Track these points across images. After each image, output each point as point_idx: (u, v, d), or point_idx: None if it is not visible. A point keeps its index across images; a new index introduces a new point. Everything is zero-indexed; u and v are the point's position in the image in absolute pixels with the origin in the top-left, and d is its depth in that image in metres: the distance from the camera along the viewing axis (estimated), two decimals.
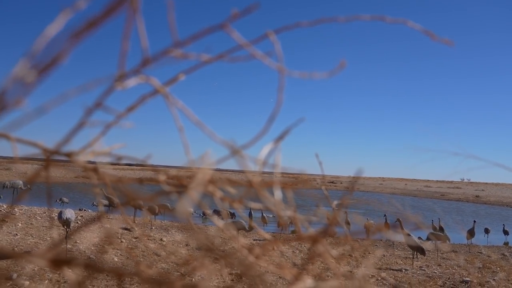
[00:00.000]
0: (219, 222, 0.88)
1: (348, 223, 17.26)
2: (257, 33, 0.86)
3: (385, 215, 18.01)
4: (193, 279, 7.11)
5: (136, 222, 17.23)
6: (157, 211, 16.93)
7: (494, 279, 9.52)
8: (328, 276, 0.73)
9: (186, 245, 12.26)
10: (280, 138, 0.90)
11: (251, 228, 14.04)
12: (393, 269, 10.50)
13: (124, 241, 12.41)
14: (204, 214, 18.24)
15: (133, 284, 6.07)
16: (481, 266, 11.33)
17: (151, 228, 15.48)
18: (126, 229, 14.78)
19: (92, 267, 0.58)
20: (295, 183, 0.80)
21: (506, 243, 17.61)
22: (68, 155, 0.94)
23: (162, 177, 0.98)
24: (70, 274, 0.61)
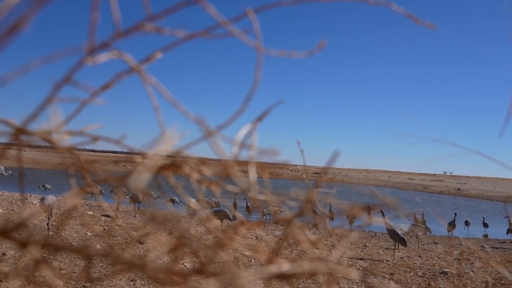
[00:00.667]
0: (192, 204, 0.86)
1: (332, 212, 17.39)
2: (236, 11, 0.83)
3: (368, 206, 18.12)
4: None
5: (119, 209, 17.15)
6: (141, 199, 16.86)
7: (472, 270, 9.70)
8: (303, 259, 0.72)
9: (170, 233, 12.23)
10: (258, 119, 0.89)
11: (235, 218, 14.07)
12: (374, 260, 10.62)
13: (107, 228, 12.34)
14: (172, 200, 18.24)
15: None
16: (460, 257, 11.54)
17: (134, 216, 15.42)
18: (109, 216, 14.70)
19: (53, 245, 0.56)
20: (271, 167, 0.78)
21: (485, 235, 17.94)
22: (41, 134, 0.91)
23: (138, 159, 0.96)
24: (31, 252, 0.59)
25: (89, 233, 10.88)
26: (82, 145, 0.98)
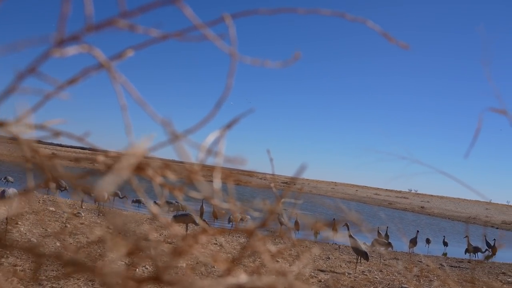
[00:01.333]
0: (153, 208, 0.84)
1: (297, 223, 17.48)
2: (213, 15, 0.82)
3: (334, 218, 18.34)
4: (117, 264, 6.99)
5: (84, 207, 16.77)
6: (106, 198, 16.55)
7: (430, 287, 9.90)
8: (263, 271, 0.71)
9: (130, 235, 12.03)
10: (227, 126, 0.88)
11: (200, 222, 13.92)
12: (336, 272, 10.71)
13: (69, 225, 12.03)
14: (138, 201, 17.99)
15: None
16: (419, 274, 11.76)
17: (98, 215, 15.11)
18: (72, 213, 14.35)
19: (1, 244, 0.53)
20: (237, 174, 0.77)
21: (444, 254, 18.36)
22: (1, 124, 0.87)
23: (100, 158, 0.93)
24: None
25: (49, 230, 10.58)
26: (47, 139, 0.94)
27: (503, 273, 14.04)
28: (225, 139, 0.80)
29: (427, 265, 14.10)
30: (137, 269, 7.20)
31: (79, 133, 0.84)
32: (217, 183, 0.77)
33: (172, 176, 0.78)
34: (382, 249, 14.61)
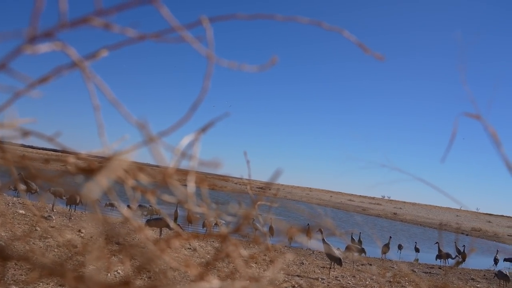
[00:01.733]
0: (125, 211, 0.82)
1: (272, 229, 17.50)
2: (192, 18, 0.81)
3: (308, 224, 18.47)
4: (88, 269, 6.83)
5: (55, 210, 16.40)
6: (78, 201, 16.22)
7: None
8: (236, 277, 0.70)
9: (106, 238, 11.82)
10: (202, 130, 0.87)
11: (175, 227, 13.78)
12: (310, 277, 10.75)
13: (39, 229, 11.74)
14: (111, 204, 17.69)
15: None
16: (391, 280, 11.91)
17: (70, 218, 14.78)
18: (42, 216, 14.02)
19: None
20: (211, 178, 0.76)
21: (416, 260, 18.66)
22: None
23: (71, 159, 0.91)
24: None
25: (18, 233, 10.31)
26: (16, 139, 0.92)
27: (472, 279, 14.35)
28: (200, 142, 0.80)
29: (400, 271, 14.30)
30: (109, 274, 7.07)
31: (50, 133, 0.82)
32: (191, 187, 0.76)
33: (144, 179, 0.77)
34: (355, 254, 14.75)
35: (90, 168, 0.91)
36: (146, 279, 6.65)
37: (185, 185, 0.83)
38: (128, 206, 17.19)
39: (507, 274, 12.03)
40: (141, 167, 0.77)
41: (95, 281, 0.57)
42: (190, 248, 10.91)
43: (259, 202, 1.36)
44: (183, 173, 0.77)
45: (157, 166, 0.79)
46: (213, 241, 13.78)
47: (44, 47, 0.66)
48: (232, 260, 0.75)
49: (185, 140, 0.83)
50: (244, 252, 0.91)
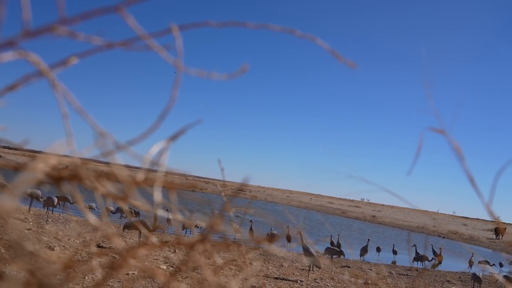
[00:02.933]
0: (91, 217, 0.82)
1: (252, 230, 17.52)
2: (162, 25, 0.81)
3: (288, 226, 18.54)
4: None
5: (31, 212, 16.11)
6: (55, 203, 15.95)
7: None
8: (206, 285, 0.71)
9: (84, 240, 11.66)
10: (173, 137, 0.87)
11: (155, 228, 13.71)
12: (289, 280, 10.78)
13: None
14: (89, 207, 17.44)
15: None
16: (369, 282, 12.03)
17: (47, 221, 14.53)
18: (17, 219, 13.75)
19: None
20: (180, 185, 0.76)
21: (394, 262, 18.89)
22: None
23: (40, 165, 0.90)
24: None
25: None
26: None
27: (448, 281, 14.59)
28: (169, 150, 0.80)
29: (377, 273, 14.46)
30: (86, 277, 6.97)
31: (19, 139, 0.81)
32: (158, 195, 0.76)
33: (112, 186, 0.76)
34: (334, 257, 14.85)
35: (59, 175, 0.90)
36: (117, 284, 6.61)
37: (154, 192, 0.83)
38: (107, 208, 16.99)
39: (480, 276, 12.28)
40: (108, 175, 0.76)
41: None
42: (164, 256, 10.84)
43: (233, 206, 1.37)
44: (150, 181, 0.76)
45: (126, 174, 0.79)
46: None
47: (7, 56, 0.66)
48: (201, 268, 0.76)
49: (155, 148, 0.83)
50: (219, 259, 0.92)
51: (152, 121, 0.80)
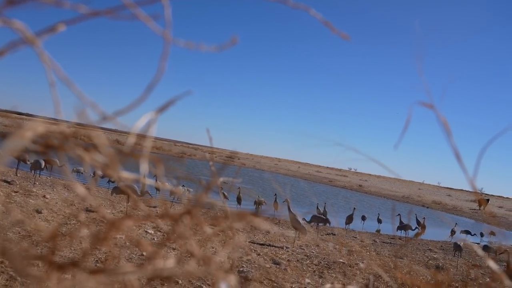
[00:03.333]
0: (79, 189, 0.82)
1: (239, 198, 17.68)
2: None
3: (275, 194, 18.75)
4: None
5: (18, 175, 16.04)
6: (43, 166, 15.88)
7: (362, 262, 10.40)
8: (188, 258, 0.72)
9: (71, 204, 11.69)
10: (162, 108, 0.86)
11: (143, 193, 13.78)
12: (275, 246, 10.98)
13: (1, 193, 11.48)
14: (77, 171, 17.41)
15: None
16: (353, 249, 12.31)
17: (34, 183, 14.51)
18: (5, 181, 13.70)
19: None
20: (168, 152, 0.76)
21: (378, 231, 19.30)
22: None
23: (28, 134, 0.89)
24: None
25: None
26: None
27: (430, 249, 14.98)
28: (157, 120, 0.79)
29: (361, 241, 14.79)
30: (73, 242, 7.03)
31: (7, 102, 0.79)
32: (144, 166, 0.76)
33: (98, 156, 0.76)
34: (320, 224, 15.11)
35: (47, 144, 0.89)
36: (100, 257, 6.65)
37: (141, 163, 0.83)
38: (95, 172, 16.95)
39: (461, 245, 12.62)
40: (96, 146, 0.76)
41: (43, 260, 0.57)
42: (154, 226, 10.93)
43: (221, 174, 1.37)
44: (137, 154, 0.76)
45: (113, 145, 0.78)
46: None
47: None
48: (186, 240, 0.76)
49: (144, 119, 0.82)
50: (207, 229, 0.93)
51: (142, 90, 0.79)
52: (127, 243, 7.03)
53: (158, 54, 0.80)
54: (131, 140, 0.75)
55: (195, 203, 0.76)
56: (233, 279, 0.64)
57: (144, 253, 5.92)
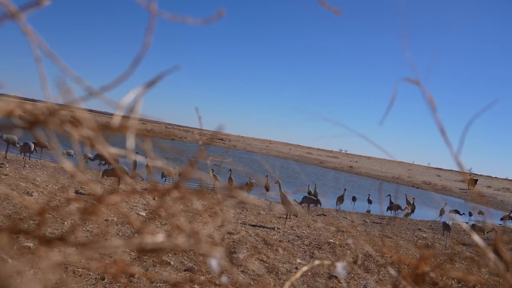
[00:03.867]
0: (67, 164, 0.81)
1: (231, 179, 17.73)
2: None
3: (266, 175, 18.83)
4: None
5: (8, 158, 15.92)
6: (32, 149, 15.74)
7: (353, 242, 10.54)
8: (175, 232, 0.72)
9: (62, 186, 11.65)
10: (150, 84, 0.85)
11: (134, 176, 13.77)
12: (266, 227, 11.07)
13: None
14: (68, 153, 17.29)
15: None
16: (343, 230, 12.45)
17: (24, 166, 14.41)
18: None
19: None
20: (159, 133, 0.76)
21: (368, 211, 19.51)
22: None
23: (17, 111, 0.88)
24: None
25: None
26: None
27: (419, 229, 15.20)
28: (145, 97, 0.78)
29: (352, 221, 14.96)
30: (65, 223, 7.03)
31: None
32: (132, 141, 0.76)
33: (86, 132, 0.76)
34: (311, 205, 15.23)
35: (35, 121, 0.89)
36: (89, 231, 6.68)
37: (128, 138, 0.82)
38: (85, 154, 16.87)
39: (449, 224, 12.82)
40: (83, 120, 0.75)
41: (31, 235, 0.56)
42: (144, 203, 10.94)
43: (211, 155, 1.37)
44: (123, 128, 0.76)
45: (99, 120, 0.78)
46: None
47: None
48: (176, 215, 0.77)
49: (131, 95, 0.82)
50: (197, 205, 0.93)
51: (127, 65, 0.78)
52: (117, 220, 7.05)
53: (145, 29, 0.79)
54: (118, 114, 0.74)
55: (183, 179, 0.76)
56: (221, 251, 0.64)
57: (134, 231, 5.92)
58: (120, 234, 6.74)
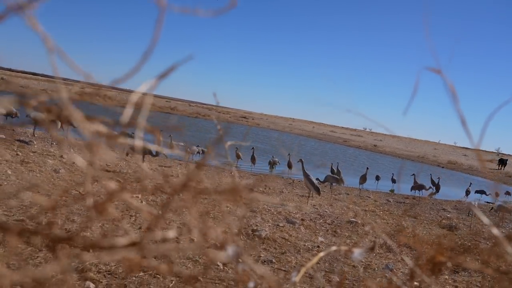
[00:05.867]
0: (79, 160, 0.81)
1: (253, 158, 17.79)
2: None
3: (289, 154, 18.82)
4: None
5: (35, 135, 16.31)
6: (59, 127, 16.07)
7: (376, 222, 10.50)
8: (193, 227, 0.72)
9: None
10: (163, 74, 0.84)
11: (158, 153, 13.94)
12: (289, 206, 11.12)
13: (20, 154, 11.71)
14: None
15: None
16: (366, 209, 12.40)
17: (51, 144, 14.75)
18: (23, 141, 13.95)
19: None
20: (175, 110, 0.75)
21: (392, 190, 19.34)
22: None
23: (33, 102, 0.89)
24: None
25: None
26: None
27: (443, 209, 15.02)
28: (156, 88, 0.78)
29: (375, 200, 14.88)
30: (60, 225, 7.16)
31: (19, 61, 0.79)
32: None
33: (100, 127, 0.75)
34: (333, 184, 15.19)
35: (49, 111, 0.89)
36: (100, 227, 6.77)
37: (140, 117, 0.82)
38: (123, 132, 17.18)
39: (475, 205, 12.62)
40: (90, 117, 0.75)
41: (38, 232, 0.57)
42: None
43: (235, 133, 1.37)
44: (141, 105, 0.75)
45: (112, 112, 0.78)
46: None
47: None
48: (187, 212, 0.76)
49: (143, 87, 0.81)
50: (216, 197, 0.92)
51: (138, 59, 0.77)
52: (127, 213, 7.13)
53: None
54: (133, 100, 0.74)
55: (207, 157, 0.75)
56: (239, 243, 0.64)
57: (142, 227, 5.98)
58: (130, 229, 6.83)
